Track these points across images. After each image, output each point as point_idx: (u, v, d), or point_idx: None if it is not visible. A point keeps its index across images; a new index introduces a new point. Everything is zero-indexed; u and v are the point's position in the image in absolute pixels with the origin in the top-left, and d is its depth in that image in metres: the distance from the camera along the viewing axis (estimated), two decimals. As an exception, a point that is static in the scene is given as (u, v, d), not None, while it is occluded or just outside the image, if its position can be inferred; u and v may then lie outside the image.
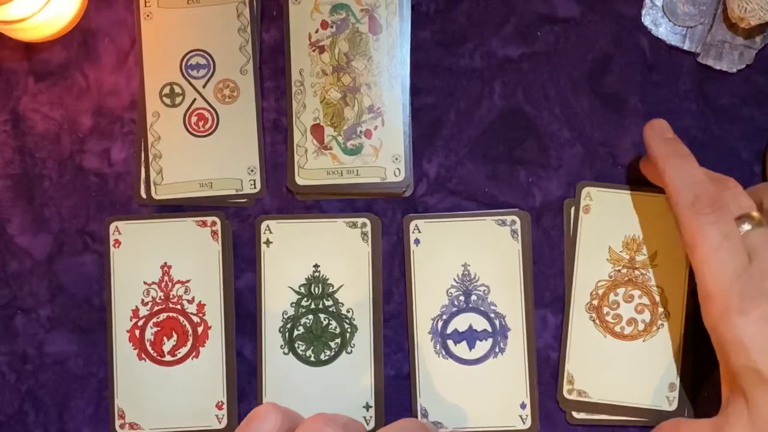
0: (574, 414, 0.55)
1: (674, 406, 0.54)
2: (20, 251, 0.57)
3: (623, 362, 0.55)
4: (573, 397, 0.55)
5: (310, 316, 0.56)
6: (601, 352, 0.55)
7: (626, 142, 0.56)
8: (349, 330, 0.56)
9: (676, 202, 0.48)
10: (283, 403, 0.55)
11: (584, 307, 0.55)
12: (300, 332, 0.56)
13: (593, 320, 0.55)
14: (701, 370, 0.55)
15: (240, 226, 0.57)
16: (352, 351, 0.56)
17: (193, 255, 0.56)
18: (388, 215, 0.56)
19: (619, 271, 0.55)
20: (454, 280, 0.55)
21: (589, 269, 0.55)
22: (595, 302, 0.55)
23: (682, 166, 0.49)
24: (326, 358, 0.56)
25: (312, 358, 0.56)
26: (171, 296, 0.56)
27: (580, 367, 0.55)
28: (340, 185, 0.56)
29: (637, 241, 0.55)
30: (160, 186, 0.57)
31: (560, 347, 0.55)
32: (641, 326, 0.55)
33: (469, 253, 0.55)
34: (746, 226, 0.46)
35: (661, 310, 0.55)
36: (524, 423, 0.54)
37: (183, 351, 0.56)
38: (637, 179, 0.55)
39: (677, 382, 0.54)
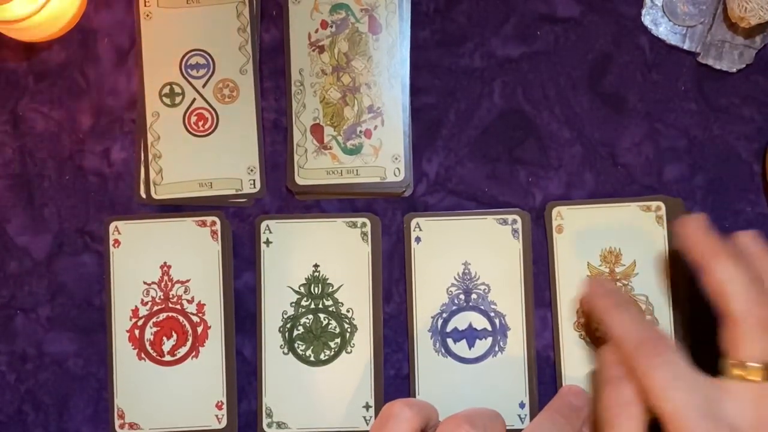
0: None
1: None
2: (20, 251, 0.57)
3: None
4: None
5: (310, 316, 0.56)
6: None
7: (626, 142, 0.56)
8: (349, 330, 0.56)
9: (623, 349, 0.46)
10: (282, 403, 0.55)
11: (572, 326, 0.55)
12: (300, 332, 0.56)
13: (583, 338, 0.55)
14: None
15: (240, 226, 0.57)
16: (352, 351, 0.55)
17: (193, 255, 0.56)
18: (388, 215, 0.56)
19: None
20: (455, 278, 0.55)
21: (572, 288, 0.55)
22: (582, 319, 0.55)
23: (622, 314, 0.48)
24: (326, 358, 0.56)
25: (312, 358, 0.56)
26: (171, 296, 0.56)
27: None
28: (339, 185, 0.56)
29: (615, 252, 0.55)
30: (159, 186, 0.57)
31: (555, 370, 0.55)
32: None
33: (470, 252, 0.55)
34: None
35: (648, 317, 0.55)
36: (523, 422, 0.54)
37: (183, 351, 0.56)
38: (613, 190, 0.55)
39: None
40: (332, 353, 0.56)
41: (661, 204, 0.55)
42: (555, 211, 0.55)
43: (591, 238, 0.55)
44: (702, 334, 0.55)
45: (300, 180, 0.56)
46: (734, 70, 0.56)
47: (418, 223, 0.56)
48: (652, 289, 0.55)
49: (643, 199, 0.55)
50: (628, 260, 0.55)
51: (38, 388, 0.57)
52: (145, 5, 0.57)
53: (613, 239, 0.55)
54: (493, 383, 0.55)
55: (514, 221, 0.55)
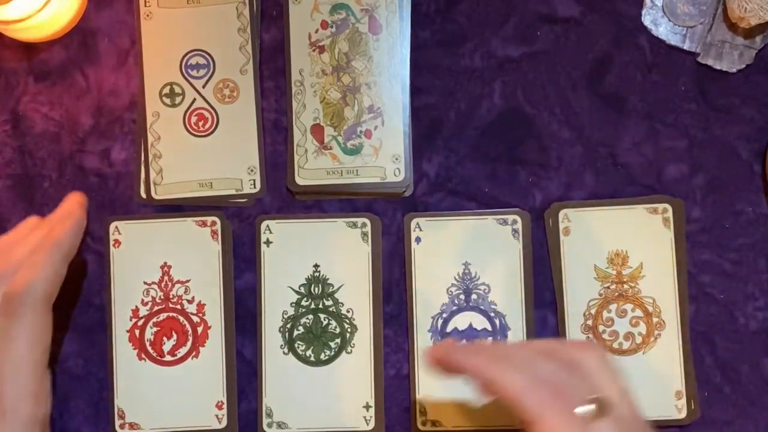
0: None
1: (684, 413, 0.54)
2: (20, 251, 0.57)
3: (628, 378, 0.54)
4: None
5: (310, 316, 0.56)
6: None
7: (626, 142, 0.56)
8: (349, 330, 0.56)
9: (523, 405, 0.41)
10: (282, 403, 0.55)
11: (579, 329, 0.55)
12: (300, 332, 0.56)
13: (591, 341, 0.55)
14: (702, 373, 0.55)
15: (240, 226, 0.57)
16: (352, 351, 0.55)
17: (193, 255, 0.56)
18: (388, 215, 0.56)
19: (608, 287, 0.55)
20: (455, 278, 0.55)
21: (578, 290, 0.55)
22: (590, 322, 0.55)
23: (509, 368, 0.42)
24: (326, 358, 0.56)
25: (312, 358, 0.56)
26: (171, 296, 0.56)
27: None
28: (340, 185, 0.56)
29: (621, 255, 0.55)
30: (160, 186, 0.57)
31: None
32: (639, 339, 0.55)
33: (470, 252, 0.55)
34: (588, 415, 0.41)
35: (655, 320, 0.55)
36: (524, 422, 0.54)
37: (183, 351, 0.56)
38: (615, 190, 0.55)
39: (683, 389, 0.54)
40: (332, 353, 0.56)
41: (668, 206, 0.55)
42: (562, 213, 0.55)
43: (598, 240, 0.55)
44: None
45: (300, 180, 0.56)
46: (734, 70, 0.56)
47: (418, 223, 0.56)
48: (660, 292, 0.55)
49: (650, 200, 0.55)
50: (635, 262, 0.55)
51: (38, 388, 0.57)
52: (145, 5, 0.57)
53: (620, 241, 0.55)
54: (494, 383, 0.55)
55: (514, 221, 0.55)
